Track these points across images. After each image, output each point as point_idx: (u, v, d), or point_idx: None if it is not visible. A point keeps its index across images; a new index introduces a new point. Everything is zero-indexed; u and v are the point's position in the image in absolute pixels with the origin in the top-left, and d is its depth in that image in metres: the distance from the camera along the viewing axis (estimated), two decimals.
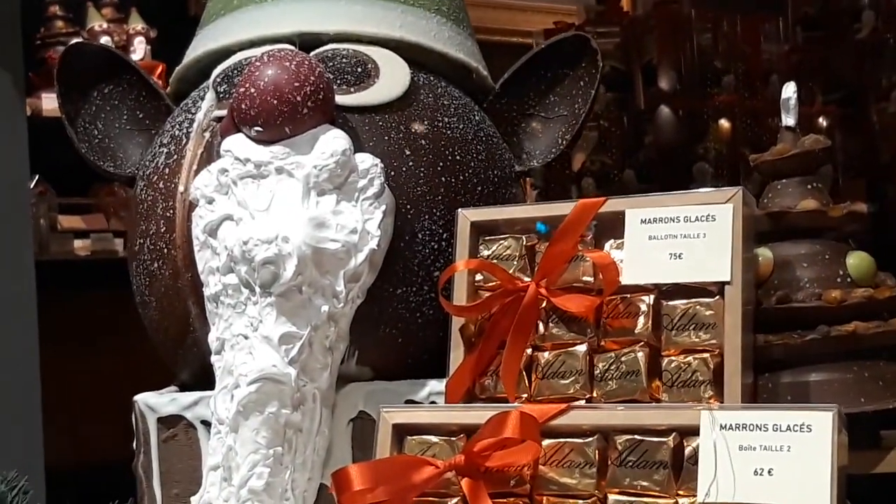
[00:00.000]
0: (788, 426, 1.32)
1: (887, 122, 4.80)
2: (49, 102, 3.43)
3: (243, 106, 1.56)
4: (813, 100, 4.75)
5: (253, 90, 1.55)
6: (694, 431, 1.35)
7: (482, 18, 5.42)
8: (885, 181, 4.76)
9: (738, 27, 4.53)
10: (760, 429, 1.33)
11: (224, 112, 1.61)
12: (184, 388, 1.70)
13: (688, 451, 1.36)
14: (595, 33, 4.37)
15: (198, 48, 1.77)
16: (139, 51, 4.40)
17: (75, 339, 3.27)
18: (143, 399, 1.68)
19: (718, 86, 4.35)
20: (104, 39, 4.27)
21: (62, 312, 2.96)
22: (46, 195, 4.05)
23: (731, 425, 1.34)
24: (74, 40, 4.20)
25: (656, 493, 1.36)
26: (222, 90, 1.67)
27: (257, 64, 1.57)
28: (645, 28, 4.38)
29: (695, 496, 1.33)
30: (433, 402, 1.58)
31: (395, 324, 1.62)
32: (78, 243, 4.11)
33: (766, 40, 4.67)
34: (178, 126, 1.72)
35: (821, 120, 4.64)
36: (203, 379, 1.63)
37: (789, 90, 1.71)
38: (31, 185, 3.89)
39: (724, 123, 4.27)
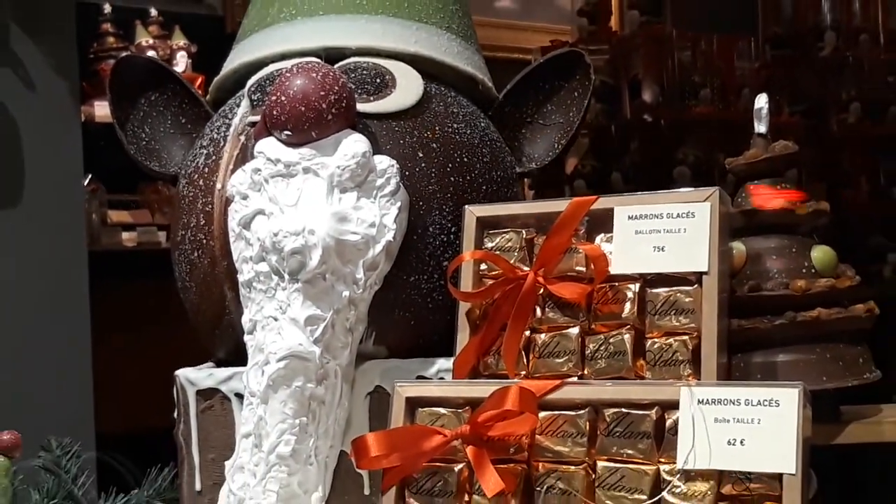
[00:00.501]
0: (759, 401, 1.32)
1: (846, 131, 4.80)
2: (101, 109, 3.43)
3: (275, 112, 1.56)
4: (780, 111, 4.75)
5: (283, 98, 1.55)
6: (674, 405, 1.35)
7: (488, 36, 5.42)
8: (845, 184, 4.76)
9: (715, 46, 4.53)
10: (734, 403, 1.33)
11: (257, 118, 1.61)
12: (220, 364, 1.70)
13: (669, 422, 1.36)
14: (587, 50, 4.38)
15: (234, 60, 1.77)
16: (181, 64, 4.40)
17: (123, 321, 3.27)
18: (183, 374, 1.68)
19: (696, 98, 4.35)
20: (150, 53, 4.26)
21: (112, 297, 2.95)
22: (98, 192, 4.04)
23: (707, 400, 1.34)
24: (124, 54, 4.22)
25: (640, 461, 1.36)
26: (256, 98, 1.66)
27: (287, 75, 1.57)
28: (631, 46, 4.39)
29: (675, 463, 1.33)
30: (442, 378, 1.57)
31: (408, 308, 1.61)
32: (125, 235, 4.11)
33: (739, 58, 4.68)
34: (216, 130, 1.72)
35: (789, 129, 4.65)
36: (237, 356, 1.63)
37: (761, 101, 1.70)
38: (85, 184, 3.91)
39: (702, 131, 4.28)
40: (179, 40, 4.47)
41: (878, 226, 4.78)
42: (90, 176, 3.90)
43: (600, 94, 4.27)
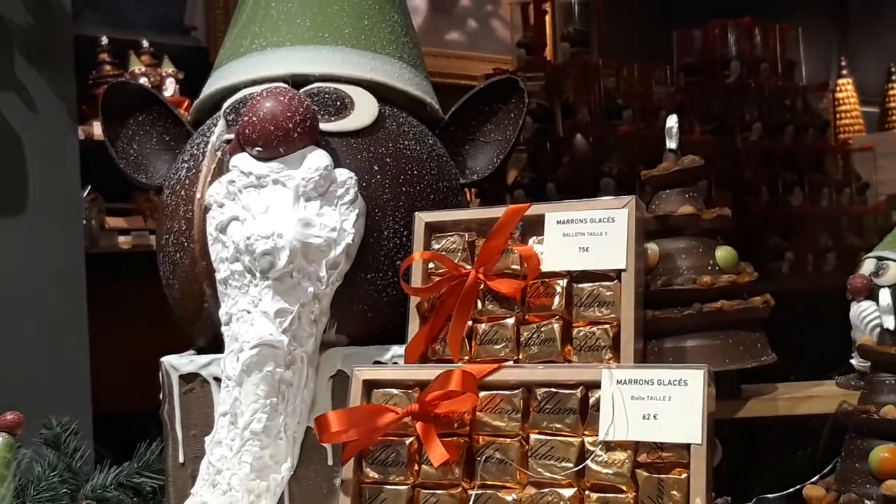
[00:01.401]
0: (669, 381, 1.33)
1: (749, 147, 4.83)
2: (99, 129, 3.38)
3: (247, 131, 1.55)
4: (693, 130, 4.77)
5: (255, 119, 1.54)
6: (597, 385, 1.36)
7: (439, 65, 5.42)
8: (748, 193, 4.78)
9: (635, 73, 4.54)
10: (647, 383, 1.34)
11: (232, 136, 1.60)
12: (200, 351, 1.68)
13: (592, 400, 1.37)
14: (525, 77, 4.37)
15: (212, 86, 1.75)
16: (170, 89, 4.36)
17: (119, 313, 3.23)
18: (168, 360, 1.66)
19: (620, 118, 4.35)
20: (142, 80, 4.23)
21: (109, 293, 2.92)
22: (97, 201, 4.00)
23: (625, 380, 1.34)
24: (115, 80, 4.19)
25: (567, 433, 1.36)
26: (231, 119, 1.65)
27: (258, 98, 1.56)
28: (563, 74, 4.39)
29: (597, 435, 1.34)
30: (396, 363, 1.57)
31: (366, 302, 1.60)
32: (121, 239, 4.07)
33: (657, 84, 4.69)
34: (196, 146, 1.70)
35: (700, 145, 4.67)
36: (215, 345, 1.62)
37: (672, 121, 1.70)
38: (84, 194, 3.87)
39: (624, 147, 4.29)
40: (168, 68, 4.43)
41: (776, 229, 4.80)
42: (89, 187, 3.87)
43: (537, 115, 4.27)
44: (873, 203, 5.42)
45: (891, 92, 7.66)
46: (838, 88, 7.15)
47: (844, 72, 7.47)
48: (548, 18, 4.57)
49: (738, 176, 4.78)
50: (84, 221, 3.84)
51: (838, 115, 6.88)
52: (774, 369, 1.72)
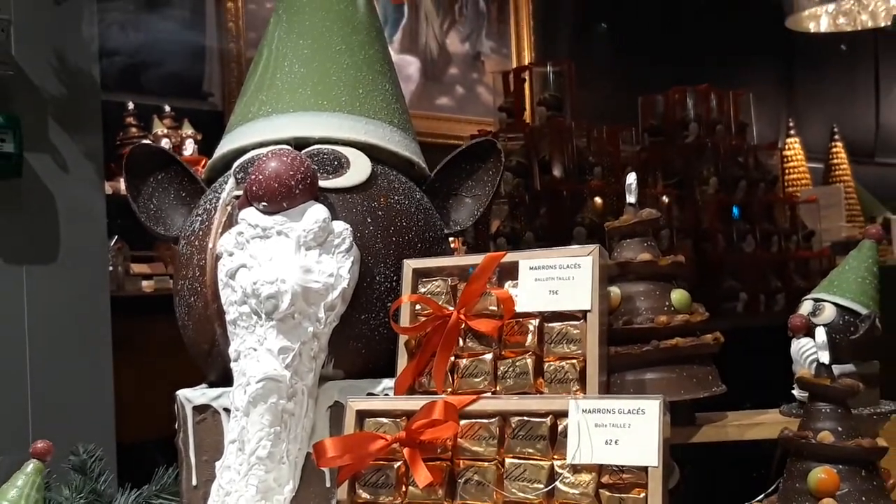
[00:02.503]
0: (629, 410, 1.33)
1: (707, 200, 4.85)
2: (124, 185, 3.41)
3: (254, 188, 1.56)
4: (656, 184, 4.80)
5: (261, 177, 1.55)
6: (564, 414, 1.36)
7: (430, 126, 5.47)
8: (706, 240, 4.80)
9: (605, 134, 4.57)
10: (610, 412, 1.33)
11: (241, 192, 1.61)
12: (211, 385, 1.68)
13: (560, 427, 1.37)
14: (506, 138, 4.41)
15: (223, 148, 1.76)
16: (189, 149, 4.39)
17: (143, 351, 3.22)
18: (182, 393, 1.66)
19: (591, 174, 4.37)
20: (164, 141, 4.26)
21: (134, 332, 2.92)
22: (123, 249, 4.01)
23: (589, 409, 1.35)
24: (143, 141, 4.21)
25: (538, 458, 1.37)
26: (240, 177, 1.66)
27: (264, 159, 1.57)
28: (541, 134, 4.41)
29: (565, 459, 1.34)
30: (387, 395, 1.56)
31: (360, 340, 1.60)
32: (145, 283, 4.07)
33: (624, 143, 4.72)
34: (208, 202, 1.71)
35: (664, 198, 4.69)
36: (225, 379, 1.62)
37: (631, 178, 1.72)
38: (112, 243, 3.88)
39: (596, 200, 4.30)
40: (188, 130, 4.46)
41: (731, 272, 4.81)
42: (116, 237, 3.87)
43: (517, 171, 4.29)
44: (818, 249, 5.44)
45: (833, 150, 7.72)
46: (787, 147, 7.20)
47: (792, 132, 7.52)
48: (526, 86, 4.60)
49: (697, 225, 4.80)
50: (111, 267, 3.86)
51: (787, 171, 6.93)
52: (730, 398, 1.72)
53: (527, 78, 4.62)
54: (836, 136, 7.74)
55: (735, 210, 4.96)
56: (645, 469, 1.30)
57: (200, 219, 1.70)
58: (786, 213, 5.28)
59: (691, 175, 4.87)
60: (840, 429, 1.44)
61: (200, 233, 1.68)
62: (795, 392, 1.66)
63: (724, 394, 1.67)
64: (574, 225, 4.12)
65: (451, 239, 1.85)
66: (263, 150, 1.63)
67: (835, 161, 7.66)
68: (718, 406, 1.76)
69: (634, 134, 4.92)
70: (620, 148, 4.64)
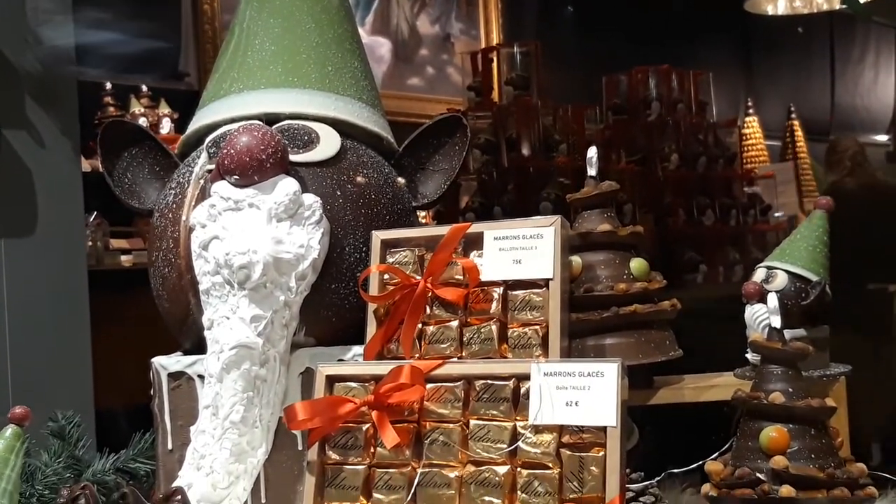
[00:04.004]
0: (589, 373, 1.33)
1: (668, 175, 4.88)
2: None
3: (226, 162, 1.55)
4: (619, 161, 4.82)
5: (233, 151, 1.54)
6: (527, 377, 1.37)
7: (402, 106, 5.45)
8: (667, 214, 4.83)
9: (570, 113, 4.58)
10: (570, 375, 1.34)
11: (213, 166, 1.60)
12: (186, 353, 1.67)
13: (523, 390, 1.37)
14: (475, 116, 4.41)
15: (196, 123, 1.75)
16: (166, 127, 4.36)
17: (122, 322, 3.20)
18: (157, 361, 1.65)
19: (556, 151, 4.38)
20: (141, 120, 4.23)
21: (113, 305, 2.90)
22: (102, 225, 3.99)
23: (551, 373, 1.35)
24: (127, 119, 4.17)
25: (502, 419, 1.37)
26: (212, 151, 1.65)
27: (236, 133, 1.56)
28: (508, 113, 4.41)
29: (527, 420, 1.35)
30: (357, 361, 1.56)
31: (330, 308, 1.60)
32: (124, 258, 4.06)
33: (588, 121, 4.73)
34: (182, 175, 1.70)
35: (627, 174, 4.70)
36: (199, 347, 1.61)
37: (591, 152, 1.72)
38: (91, 219, 3.85)
39: (560, 176, 4.31)
40: (165, 109, 4.43)
41: (691, 245, 4.85)
42: (95, 213, 3.85)
43: (485, 149, 4.30)
44: (774, 223, 5.49)
45: (790, 128, 7.78)
46: (745, 125, 7.24)
47: (751, 111, 7.56)
48: (494, 66, 4.60)
49: (659, 200, 4.82)
50: (90, 242, 3.84)
51: (745, 148, 6.96)
52: (694, 364, 1.74)
53: (494, 58, 4.62)
54: (793, 115, 7.80)
55: (695, 186, 4.99)
56: (604, 429, 1.31)
57: (174, 192, 1.69)
58: (743, 189, 5.31)
59: (653, 152, 4.90)
60: (790, 390, 1.45)
61: (174, 206, 1.67)
62: (749, 356, 1.68)
63: (688, 359, 1.68)
64: (540, 200, 4.13)
65: (422, 214, 1.85)
66: (235, 126, 1.62)
67: (792, 139, 7.71)
68: (681, 371, 1.78)
69: (598, 112, 4.94)
70: (585, 126, 4.65)
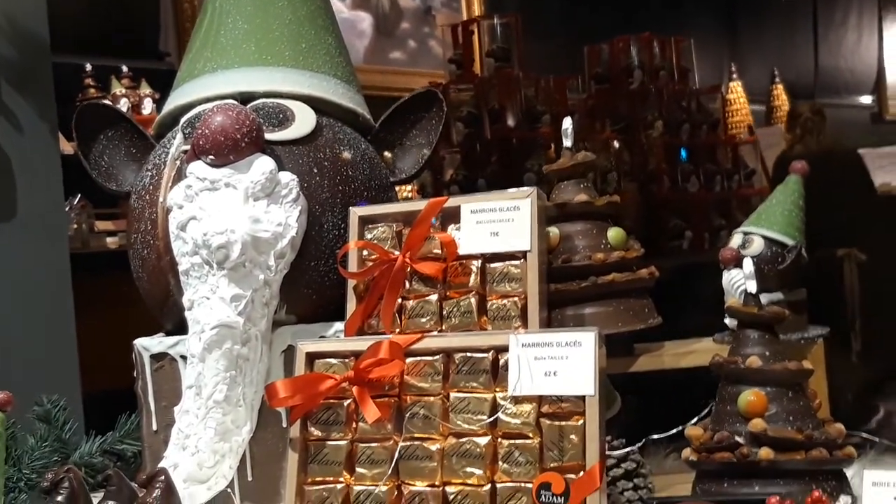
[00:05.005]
0: (566, 343, 1.33)
1: (651, 143, 4.86)
2: None
3: (201, 142, 1.55)
4: (604, 129, 4.80)
5: (208, 131, 1.54)
6: (505, 349, 1.37)
7: (384, 80, 5.41)
8: (652, 182, 4.82)
9: (552, 83, 4.55)
10: (548, 345, 1.34)
11: (188, 147, 1.59)
12: (168, 334, 1.68)
13: (501, 362, 1.38)
14: (457, 89, 4.38)
15: (171, 104, 1.74)
16: (148, 107, 4.32)
17: (109, 304, 3.18)
18: (139, 342, 1.66)
19: (539, 122, 4.36)
20: (123, 101, 4.19)
21: (99, 287, 2.89)
22: (86, 207, 3.97)
23: (529, 343, 1.35)
24: (102, 101, 4.14)
25: (481, 391, 1.38)
26: (187, 132, 1.64)
27: (210, 113, 1.56)
28: (490, 84, 4.38)
29: (507, 391, 1.35)
30: (338, 337, 1.56)
31: (310, 286, 1.61)
32: (110, 240, 4.04)
33: (571, 91, 4.71)
34: (158, 157, 1.69)
35: (615, 143, 4.69)
36: (180, 327, 1.62)
37: (567, 123, 1.72)
38: (76, 202, 3.83)
39: (544, 147, 4.30)
40: (146, 90, 4.39)
41: (676, 212, 4.84)
42: (79, 195, 3.82)
43: (467, 121, 4.27)
44: (759, 187, 5.49)
45: (774, 92, 7.76)
46: (729, 90, 7.22)
47: (735, 76, 7.54)
48: (475, 38, 4.56)
49: (644, 167, 4.81)
50: (75, 225, 3.82)
51: (729, 114, 6.95)
52: (681, 330, 1.75)
53: (475, 30, 4.59)
54: (777, 79, 7.78)
55: (683, 152, 4.98)
56: (583, 398, 1.31)
57: (150, 174, 1.68)
58: (728, 154, 5.30)
59: (636, 120, 4.87)
60: (767, 353, 1.47)
61: (151, 187, 1.67)
62: (727, 321, 1.69)
63: (673, 326, 1.69)
64: (524, 171, 4.12)
65: (408, 187, 1.85)
66: (210, 106, 1.62)
67: (776, 103, 7.70)
68: (673, 337, 1.79)
69: (581, 82, 4.91)
70: (567, 96, 4.63)
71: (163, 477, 1.18)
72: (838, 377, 1.84)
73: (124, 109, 4.07)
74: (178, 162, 1.64)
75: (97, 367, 2.35)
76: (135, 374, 1.65)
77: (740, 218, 5.04)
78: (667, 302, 1.77)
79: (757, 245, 1.70)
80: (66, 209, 3.31)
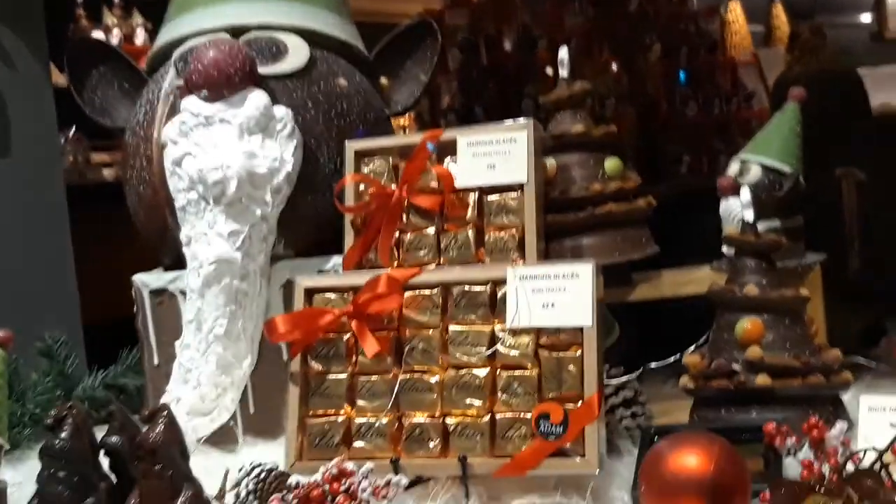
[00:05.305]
0: (563, 275, 1.34)
1: (650, 66, 4.81)
2: None
3: (194, 77, 1.54)
4: (602, 53, 4.75)
5: (200, 66, 1.53)
6: (503, 282, 1.38)
7: (376, 8, 5.33)
8: (650, 106, 4.79)
9: (548, 7, 4.50)
10: (546, 277, 1.35)
11: (181, 82, 1.58)
12: (166, 269, 1.69)
13: (499, 294, 1.38)
14: (452, 15, 4.33)
15: (162, 38, 1.73)
16: (140, 38, 4.28)
17: (104, 236, 3.17)
18: (139, 278, 1.67)
19: (536, 48, 4.32)
20: (115, 31, 4.15)
21: (95, 219, 2.87)
22: (81, 140, 3.95)
23: (526, 276, 1.36)
24: (94, 33, 4.09)
25: (480, 323, 1.39)
26: (180, 67, 1.63)
27: (202, 48, 1.55)
28: (486, 10, 4.34)
29: (505, 324, 1.36)
30: (336, 271, 1.57)
31: (307, 220, 1.61)
32: (106, 171, 4.03)
33: (567, 15, 4.65)
34: (151, 92, 1.68)
35: (613, 66, 4.65)
36: (179, 263, 1.62)
37: (563, 53, 1.70)
38: (71, 135, 3.81)
39: (541, 72, 4.26)
40: (138, 19, 4.34)
41: (674, 136, 4.82)
42: (74, 128, 3.80)
43: (464, 48, 4.24)
44: (759, 108, 5.45)
45: (773, 12, 7.67)
46: (728, 11, 7.13)
47: None
48: None
49: (642, 92, 4.77)
50: (71, 158, 3.81)
51: (728, 35, 6.87)
52: (681, 256, 1.74)
53: None
54: None
55: (682, 74, 4.93)
56: (580, 329, 1.32)
57: (144, 109, 1.68)
58: (727, 76, 5.26)
59: (634, 43, 4.82)
60: (764, 281, 1.47)
61: (145, 123, 1.66)
62: (724, 249, 1.69)
63: (673, 252, 1.69)
64: (522, 97, 4.09)
65: (405, 116, 1.84)
66: (202, 40, 1.61)
67: (775, 23, 7.61)
68: (671, 265, 1.79)
69: (578, 6, 4.84)
70: (565, 21, 4.57)
71: (165, 412, 1.19)
72: (835, 302, 1.84)
73: (116, 40, 4.03)
74: (171, 98, 1.63)
75: (103, 298, 2.35)
76: (135, 310, 1.66)
77: (741, 142, 5.03)
78: (665, 229, 1.77)
79: (754, 173, 1.70)
80: (62, 142, 3.30)
